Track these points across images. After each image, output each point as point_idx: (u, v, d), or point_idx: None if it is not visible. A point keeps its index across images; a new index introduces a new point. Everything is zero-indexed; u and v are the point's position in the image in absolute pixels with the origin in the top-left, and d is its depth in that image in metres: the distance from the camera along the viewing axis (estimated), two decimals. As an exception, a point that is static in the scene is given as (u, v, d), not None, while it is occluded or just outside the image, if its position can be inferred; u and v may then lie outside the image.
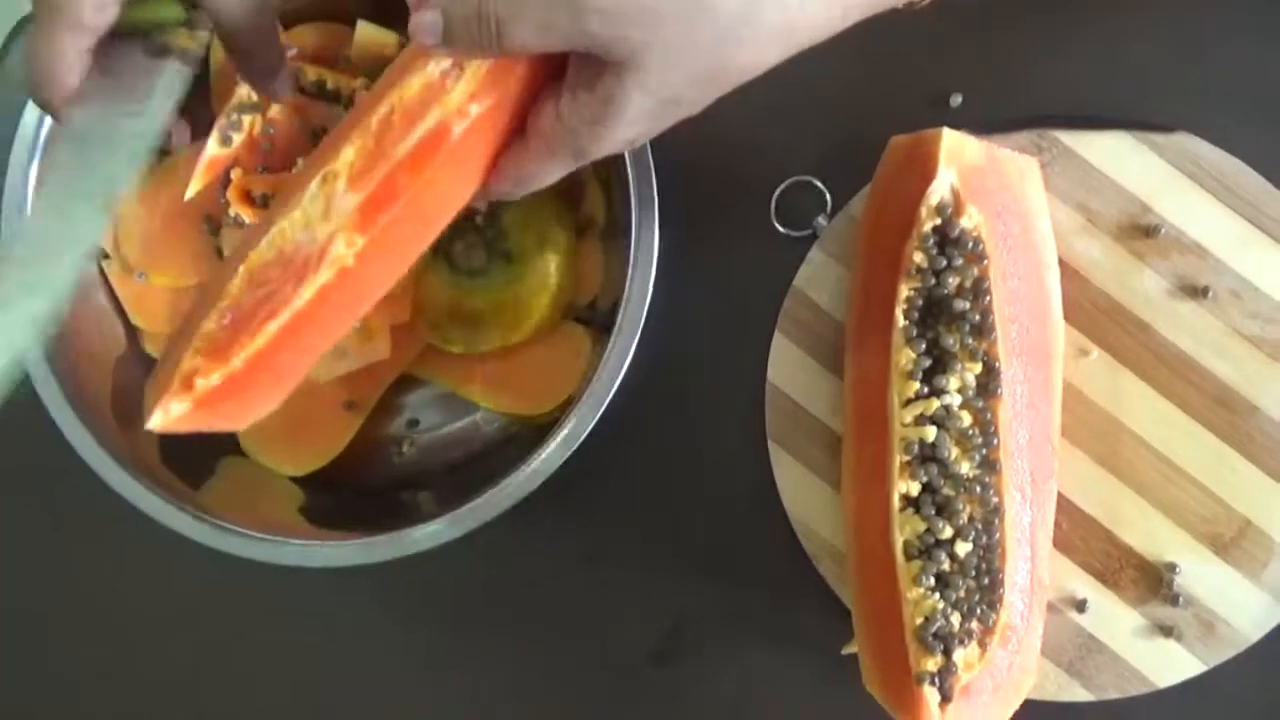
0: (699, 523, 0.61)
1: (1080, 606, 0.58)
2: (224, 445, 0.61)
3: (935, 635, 0.52)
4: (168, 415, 0.46)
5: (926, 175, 0.54)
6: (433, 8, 0.43)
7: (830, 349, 0.59)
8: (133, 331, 0.61)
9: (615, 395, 0.55)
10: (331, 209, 0.46)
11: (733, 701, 0.61)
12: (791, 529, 0.59)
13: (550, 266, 0.59)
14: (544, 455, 0.54)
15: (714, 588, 0.61)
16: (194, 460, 0.60)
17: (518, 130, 0.47)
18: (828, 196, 0.60)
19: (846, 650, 0.57)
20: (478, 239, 0.59)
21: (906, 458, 0.53)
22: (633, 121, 0.44)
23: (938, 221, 0.54)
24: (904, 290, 0.54)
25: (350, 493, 0.61)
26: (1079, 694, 0.58)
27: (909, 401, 0.54)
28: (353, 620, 0.63)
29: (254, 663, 0.63)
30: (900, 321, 0.54)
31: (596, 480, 0.61)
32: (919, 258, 0.54)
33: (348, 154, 0.46)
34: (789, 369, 0.60)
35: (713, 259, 0.61)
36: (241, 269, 0.47)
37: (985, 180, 0.54)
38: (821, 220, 0.60)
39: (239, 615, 0.63)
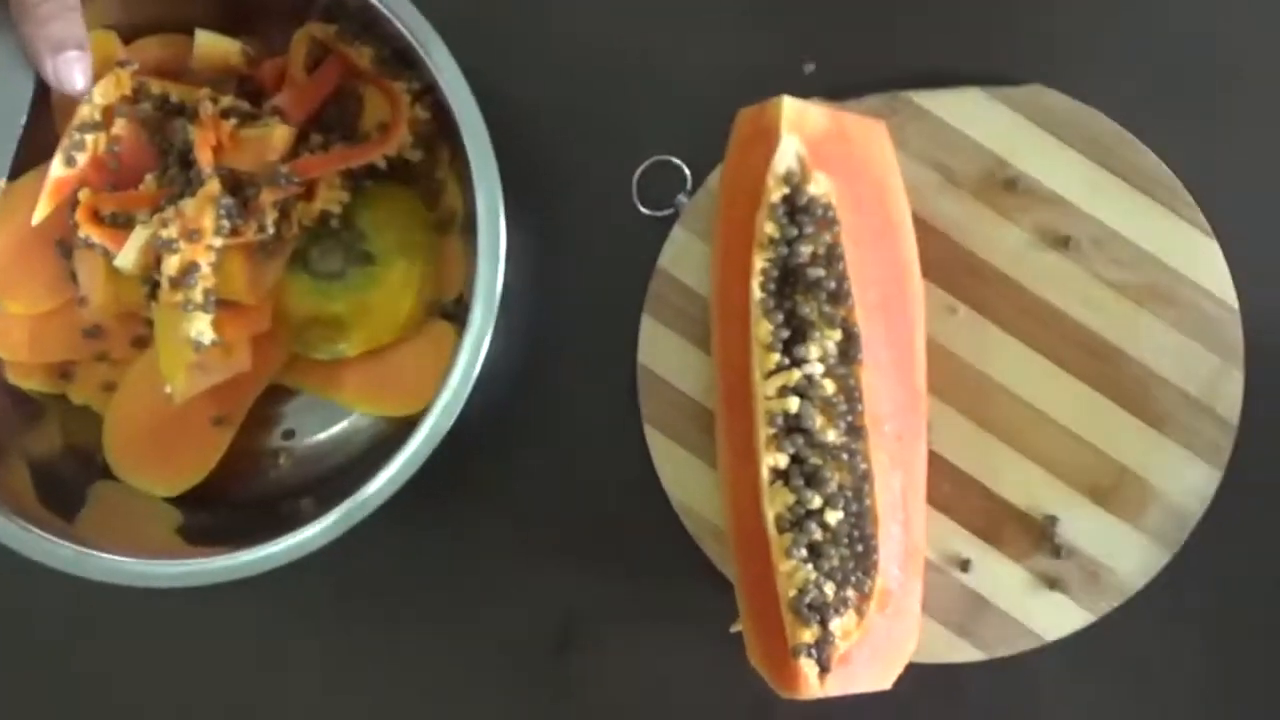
0: (583, 510, 0.61)
1: (964, 566, 0.58)
2: (94, 471, 0.60)
3: (810, 606, 0.52)
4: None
5: (771, 145, 0.53)
6: None
7: (699, 327, 0.59)
8: (-8, 361, 0.60)
9: (489, 387, 0.54)
10: None
11: (632, 684, 0.61)
12: (673, 511, 0.59)
13: (411, 266, 0.58)
14: (409, 452, 0.53)
15: (604, 573, 0.61)
16: (65, 491, 0.59)
17: None
18: (687, 173, 0.60)
19: (734, 628, 0.57)
20: (334, 242, 0.58)
21: (772, 430, 0.53)
22: None
23: (786, 191, 0.53)
24: (758, 262, 0.54)
25: (228, 508, 0.60)
26: (970, 654, 0.58)
27: (771, 373, 0.53)
28: (238, 635, 0.62)
29: (138, 690, 0.62)
30: (756, 294, 0.54)
31: (479, 475, 0.61)
32: (770, 228, 0.53)
33: None
34: (659, 350, 0.59)
35: (578, 244, 0.61)
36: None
37: (832, 146, 0.54)
38: (682, 198, 0.59)
39: (117, 644, 0.62)
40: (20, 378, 0.60)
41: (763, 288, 0.54)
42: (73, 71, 0.52)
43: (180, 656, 0.62)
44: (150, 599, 0.56)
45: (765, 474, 0.53)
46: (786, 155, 0.53)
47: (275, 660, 0.62)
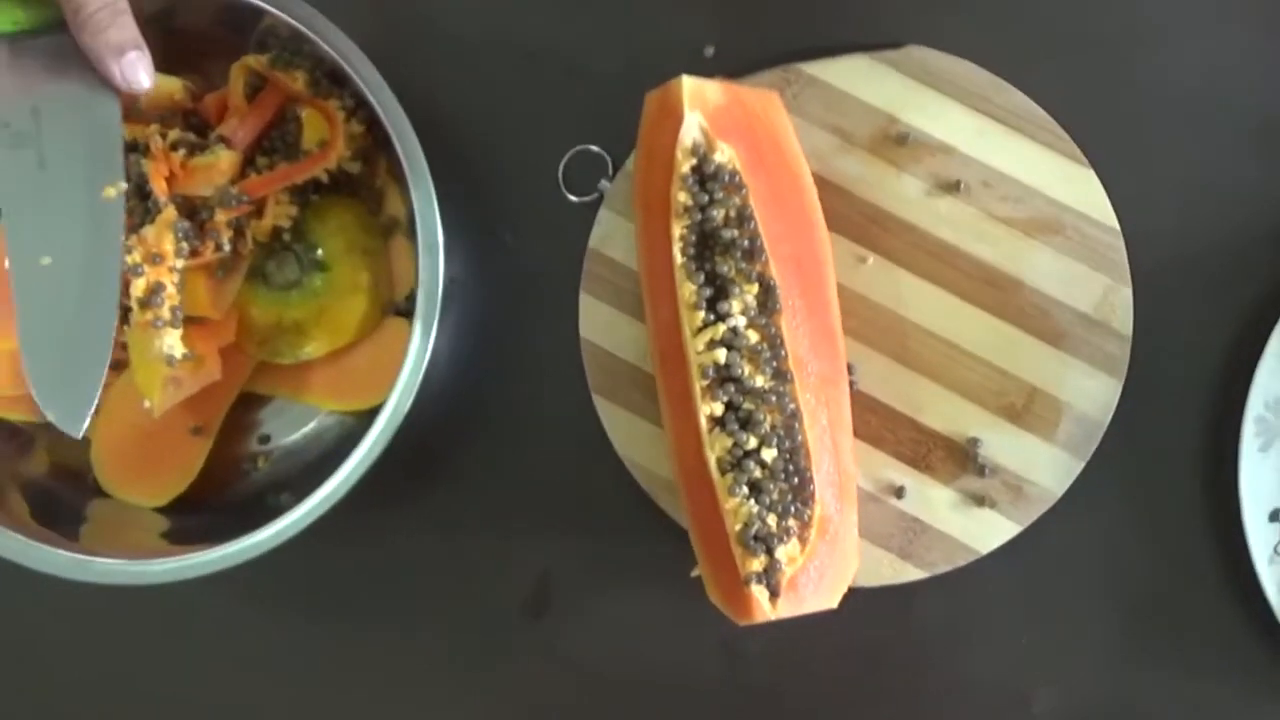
0: (542, 481, 0.65)
1: (899, 493, 0.62)
2: (88, 490, 0.64)
3: (756, 537, 0.56)
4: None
5: (676, 121, 0.58)
6: None
7: (633, 299, 0.63)
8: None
9: (446, 374, 0.59)
10: None
11: (607, 639, 0.65)
12: (627, 471, 0.64)
13: (360, 270, 0.63)
14: (371, 439, 0.57)
15: (571, 538, 0.65)
16: (65, 511, 0.63)
17: None
18: (608, 159, 0.64)
19: (694, 573, 0.61)
20: (288, 255, 0.63)
21: (705, 382, 0.58)
22: None
23: (694, 161, 0.58)
24: (676, 229, 0.58)
25: (213, 512, 0.64)
26: (913, 574, 0.62)
27: (699, 330, 0.58)
28: (226, 625, 0.66)
29: (139, 685, 0.67)
30: (678, 259, 0.58)
31: (446, 459, 0.65)
32: (683, 197, 0.58)
33: None
34: (598, 323, 0.64)
35: (514, 234, 0.65)
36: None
37: (732, 117, 0.59)
38: (605, 183, 0.64)
39: (108, 645, 0.67)
40: (6, 410, 0.64)
41: (683, 253, 0.58)
42: (137, 72, 0.55)
43: (171, 651, 0.67)
44: (141, 597, 0.61)
45: (703, 422, 0.57)
46: (691, 129, 0.58)
47: (262, 645, 0.66)
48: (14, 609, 0.67)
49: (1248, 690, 0.62)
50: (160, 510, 0.64)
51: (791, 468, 0.57)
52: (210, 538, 0.60)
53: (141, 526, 0.63)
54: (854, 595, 0.60)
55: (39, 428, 0.65)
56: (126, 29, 0.54)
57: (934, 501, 0.62)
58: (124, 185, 0.56)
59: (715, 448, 0.57)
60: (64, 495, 0.64)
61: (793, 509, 0.57)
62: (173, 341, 0.59)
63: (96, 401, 0.54)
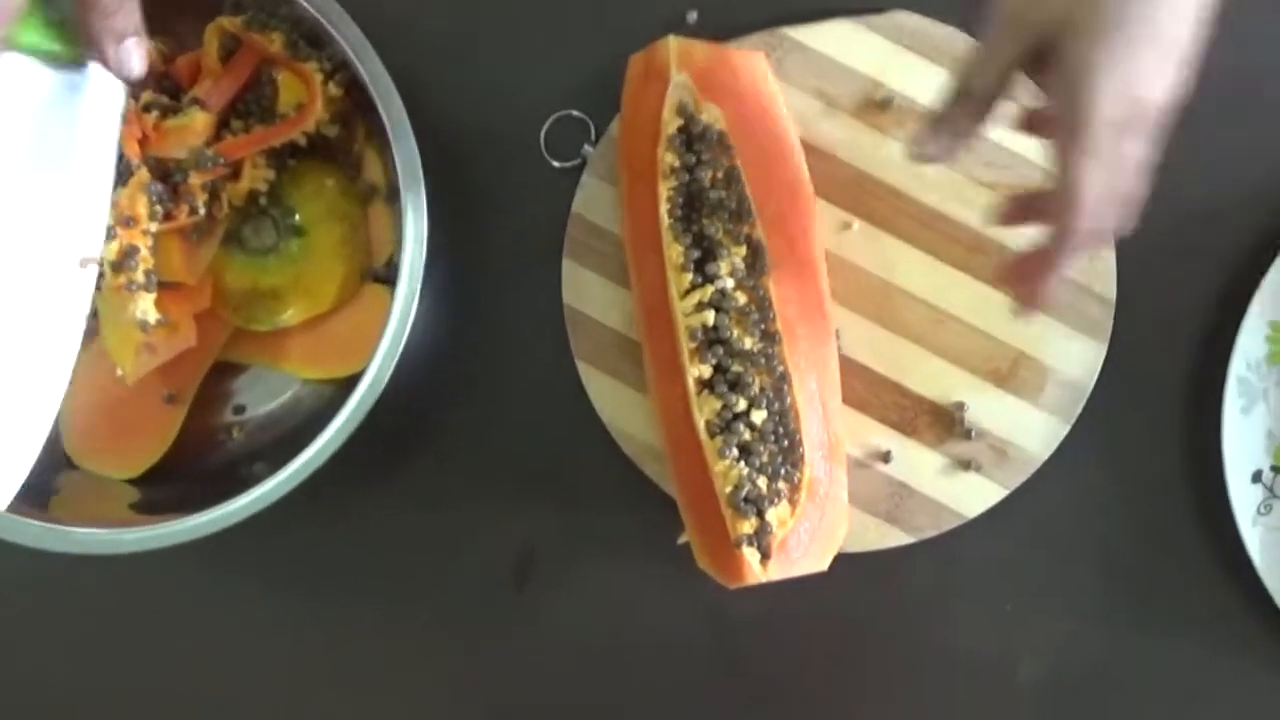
0: (527, 450, 0.64)
1: (885, 458, 0.62)
2: (60, 460, 0.62)
3: (746, 499, 0.56)
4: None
5: (663, 82, 0.58)
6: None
7: (616, 264, 0.63)
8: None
9: (428, 343, 0.58)
10: None
11: (592, 607, 0.64)
12: (613, 439, 0.63)
13: (338, 236, 0.62)
14: (350, 407, 0.56)
15: (555, 507, 0.64)
16: (34, 482, 0.61)
17: None
18: (590, 124, 0.64)
19: (681, 540, 0.61)
20: (265, 220, 0.62)
21: (693, 344, 0.57)
22: (1120, 77, 0.45)
23: (681, 122, 0.58)
24: (663, 191, 0.58)
25: (187, 482, 0.62)
26: (899, 538, 0.62)
27: (687, 292, 0.57)
28: (203, 598, 0.65)
29: (108, 658, 0.65)
30: (665, 220, 0.58)
31: (421, 427, 0.64)
32: (670, 158, 0.58)
33: None
34: (582, 289, 0.63)
35: (496, 201, 0.64)
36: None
37: (719, 78, 0.58)
38: (588, 148, 0.63)
39: (81, 617, 0.65)
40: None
41: (670, 214, 0.58)
42: (132, 58, 0.54)
43: (141, 625, 0.65)
44: (110, 569, 0.59)
45: (692, 385, 0.57)
46: (678, 89, 0.58)
47: (239, 618, 0.65)
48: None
49: (1232, 651, 0.63)
50: (131, 482, 0.62)
51: (781, 430, 0.57)
52: (182, 510, 0.59)
53: (110, 498, 0.62)
54: (840, 561, 0.59)
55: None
56: (132, 15, 0.54)
57: (920, 466, 0.62)
58: (99, 258, 0.55)
59: (704, 410, 0.57)
60: (35, 466, 0.62)
61: (782, 471, 0.57)
62: (146, 306, 0.58)
63: (25, 477, 0.54)
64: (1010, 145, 0.62)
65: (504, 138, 0.64)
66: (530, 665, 0.64)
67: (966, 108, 0.49)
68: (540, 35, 0.64)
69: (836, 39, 0.62)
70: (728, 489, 0.56)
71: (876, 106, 0.62)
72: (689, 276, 0.57)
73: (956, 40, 0.62)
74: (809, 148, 0.61)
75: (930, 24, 0.62)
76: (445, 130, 0.64)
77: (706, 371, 0.57)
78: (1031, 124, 0.52)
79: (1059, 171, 0.47)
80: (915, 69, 0.62)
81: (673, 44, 0.58)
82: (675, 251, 0.57)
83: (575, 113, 0.64)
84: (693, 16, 0.64)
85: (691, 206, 0.58)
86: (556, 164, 0.64)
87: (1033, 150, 0.62)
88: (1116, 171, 0.46)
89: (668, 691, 0.64)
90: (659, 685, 0.64)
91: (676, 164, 0.58)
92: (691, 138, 0.58)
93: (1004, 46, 0.48)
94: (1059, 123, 0.47)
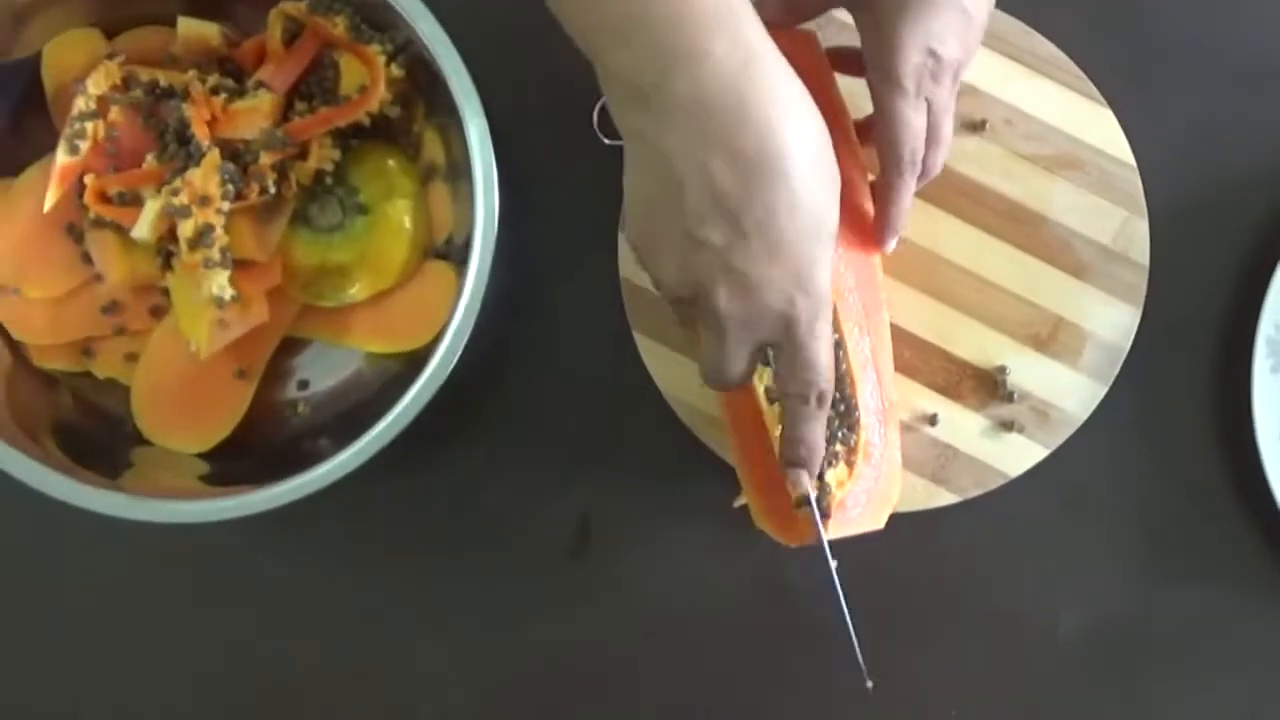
0: (585, 420, 0.66)
1: (932, 421, 0.65)
2: (132, 437, 0.64)
3: None
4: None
5: None
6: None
7: (670, 238, 0.65)
8: (15, 346, 0.63)
9: (485, 318, 0.60)
10: None
11: (649, 574, 0.66)
12: (668, 407, 0.65)
13: (402, 213, 0.64)
14: (422, 381, 0.58)
15: (610, 477, 0.66)
16: (105, 457, 0.62)
17: None
18: (642, 103, 0.66)
19: (737, 503, 0.63)
20: (331, 198, 0.63)
21: None
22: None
23: None
24: None
25: (254, 457, 0.64)
26: (946, 498, 0.65)
27: None
28: (274, 566, 0.67)
29: (186, 626, 0.67)
30: None
31: (484, 401, 0.66)
32: None
33: None
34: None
35: (550, 178, 0.66)
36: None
37: None
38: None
39: (163, 585, 0.67)
40: (44, 360, 0.63)
41: None
42: None
43: (207, 594, 0.67)
44: (179, 540, 0.62)
45: None
46: None
47: (300, 585, 0.67)
48: (53, 548, 0.66)
49: (1264, 602, 0.66)
50: (200, 456, 0.64)
51: (837, 395, 0.59)
52: (249, 483, 0.60)
53: (180, 471, 0.63)
54: (890, 521, 0.62)
55: (73, 377, 0.64)
56: None
57: (965, 428, 0.65)
58: None
59: (763, 378, 0.59)
60: (101, 442, 0.64)
61: (839, 434, 0.59)
62: (222, 283, 0.59)
63: None
64: (1047, 119, 0.65)
65: (558, 116, 0.66)
66: (590, 629, 0.66)
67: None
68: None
69: (880, 18, 0.65)
70: None
71: (920, 83, 0.65)
72: None
73: (1000, 20, 0.64)
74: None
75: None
76: (500, 109, 0.65)
77: None
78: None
79: (875, 104, 0.55)
80: (961, 48, 0.65)
81: None
82: None
83: (627, 92, 0.65)
84: None
85: None
86: (609, 141, 0.66)
87: (1071, 123, 0.64)
88: (923, 109, 0.54)
89: (723, 652, 0.66)
90: (715, 646, 0.66)
91: None
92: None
93: None
94: (869, 61, 0.55)
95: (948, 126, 0.56)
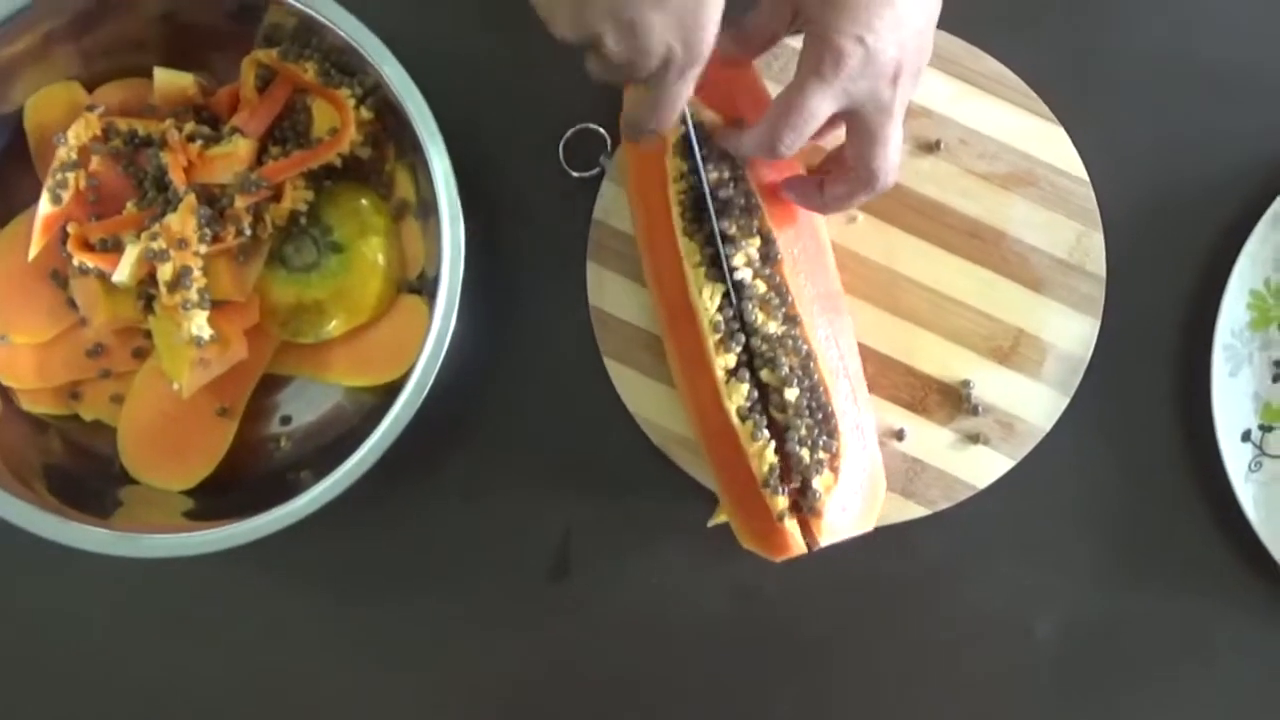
0: (560, 444, 0.68)
1: (899, 436, 0.66)
2: (120, 477, 0.65)
3: (780, 478, 0.59)
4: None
5: None
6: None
7: (637, 266, 0.66)
8: (4, 391, 0.65)
9: (461, 347, 0.61)
10: None
11: (629, 595, 0.68)
12: (640, 430, 0.67)
13: (375, 251, 0.65)
14: (395, 411, 0.60)
15: (587, 501, 0.68)
16: (96, 499, 0.64)
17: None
18: (606, 136, 0.68)
19: (712, 523, 0.64)
20: (306, 238, 0.65)
21: (717, 336, 0.61)
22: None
23: (684, 129, 0.61)
24: (673, 194, 0.62)
25: (237, 492, 0.66)
26: (915, 511, 0.66)
27: (706, 287, 0.61)
28: (253, 598, 0.68)
29: (150, 660, 0.69)
30: (679, 223, 0.62)
31: (461, 430, 0.68)
32: (677, 163, 0.61)
33: None
34: (606, 291, 0.67)
35: (520, 211, 0.68)
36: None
37: (713, 84, 0.62)
38: (604, 159, 0.67)
39: (142, 620, 0.69)
40: (32, 404, 0.65)
41: (682, 216, 0.62)
42: None
43: (196, 626, 0.69)
44: (163, 574, 0.63)
45: (720, 375, 0.61)
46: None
47: (288, 615, 0.68)
48: (46, 587, 0.68)
49: (1230, 603, 0.67)
50: (184, 493, 0.65)
51: (814, 404, 0.61)
52: (234, 517, 0.61)
53: (165, 508, 0.65)
54: (860, 535, 0.63)
55: (61, 420, 0.66)
56: None
57: (932, 442, 0.66)
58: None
59: (733, 398, 0.61)
60: (88, 482, 0.65)
61: (820, 442, 0.60)
62: (201, 323, 0.61)
63: None
64: (1000, 137, 0.66)
65: (525, 151, 0.68)
66: (571, 647, 0.68)
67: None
68: (558, 53, 0.68)
69: (834, 46, 0.67)
70: (764, 469, 0.59)
71: (874, 107, 0.66)
72: (703, 271, 0.61)
73: (949, 43, 0.66)
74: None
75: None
76: (470, 146, 0.67)
77: (731, 361, 0.61)
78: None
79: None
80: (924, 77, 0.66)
81: None
82: (691, 250, 0.61)
83: (592, 125, 0.67)
84: (697, 31, 0.68)
85: (698, 208, 0.62)
86: (576, 174, 0.68)
87: (1024, 141, 0.66)
88: (829, 96, 0.54)
89: (701, 666, 0.67)
90: (692, 660, 0.67)
91: (684, 168, 0.61)
92: (699, 140, 0.62)
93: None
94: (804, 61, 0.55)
95: (887, 128, 0.56)
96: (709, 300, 0.61)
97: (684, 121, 0.61)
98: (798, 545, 0.59)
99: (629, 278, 0.67)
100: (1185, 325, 0.67)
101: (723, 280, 0.61)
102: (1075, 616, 0.67)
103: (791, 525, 0.59)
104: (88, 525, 0.60)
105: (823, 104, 0.54)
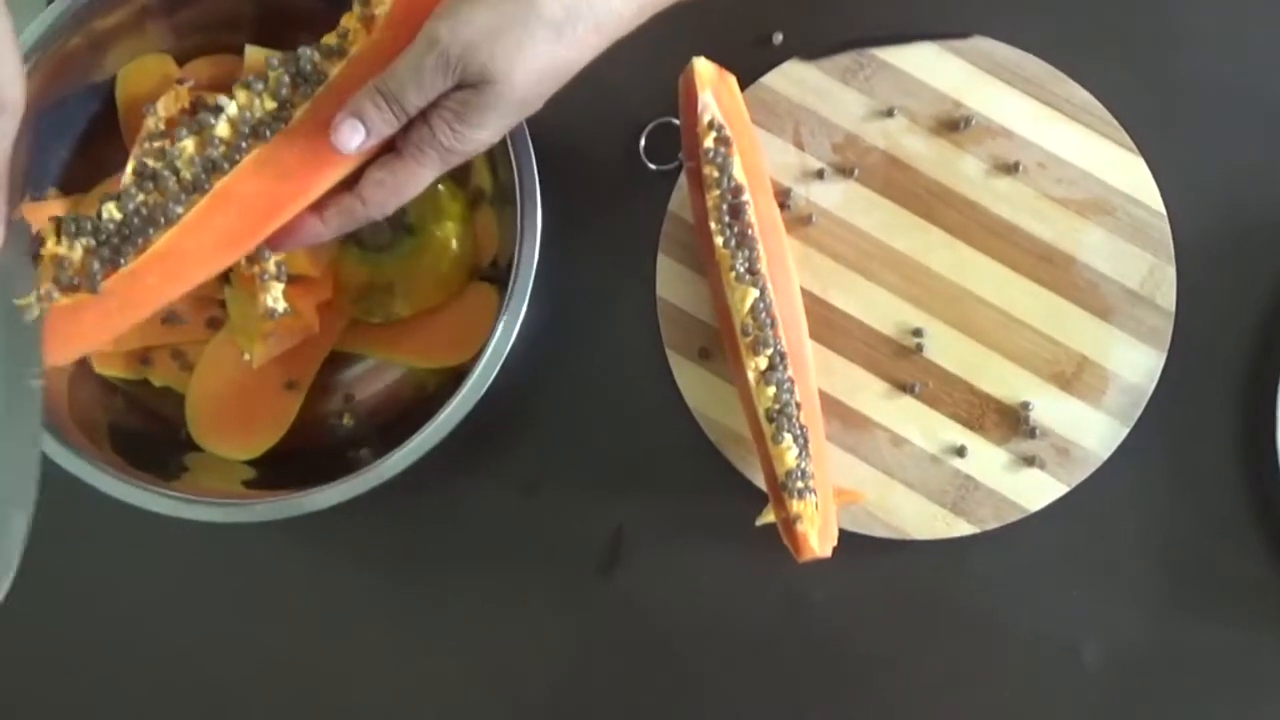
0: (619, 437, 0.68)
1: (960, 452, 0.66)
2: (185, 443, 0.67)
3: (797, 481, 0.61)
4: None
5: (694, 100, 0.62)
6: (344, 115, 0.54)
7: (705, 261, 0.67)
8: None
9: (527, 335, 0.62)
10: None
11: (678, 591, 0.68)
12: (699, 428, 0.67)
13: (449, 235, 0.66)
14: (460, 396, 0.60)
15: (642, 495, 0.68)
16: (158, 462, 0.65)
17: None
18: (685, 133, 0.68)
19: (759, 522, 0.64)
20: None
21: (747, 339, 0.61)
22: (489, 125, 0.54)
23: (715, 135, 0.62)
24: (710, 200, 0.62)
25: (298, 465, 0.67)
26: (964, 529, 0.66)
27: (734, 290, 0.62)
28: (309, 571, 0.70)
29: (230, 622, 0.70)
30: (713, 226, 0.62)
31: (522, 418, 0.69)
32: (709, 170, 0.62)
33: None
34: (674, 283, 0.67)
35: (599, 202, 0.69)
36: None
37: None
38: (682, 154, 0.68)
39: (200, 585, 0.70)
40: (104, 366, 0.66)
41: (717, 220, 0.62)
42: None
43: (249, 597, 0.70)
44: (218, 540, 0.65)
45: (751, 377, 0.61)
46: (708, 106, 0.62)
47: (337, 591, 0.70)
48: (103, 549, 0.70)
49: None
50: (248, 462, 0.67)
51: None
52: (291, 489, 0.63)
53: (228, 476, 0.66)
54: (909, 547, 0.65)
55: (130, 383, 0.67)
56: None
57: (986, 461, 0.66)
58: (43, 380, 0.56)
59: (762, 400, 0.61)
60: (153, 447, 0.67)
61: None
62: (277, 295, 0.62)
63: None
64: (1079, 163, 0.66)
65: (607, 144, 0.69)
66: (616, 642, 0.69)
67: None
68: (643, 51, 0.68)
69: (920, 60, 0.67)
70: (782, 471, 0.61)
71: (955, 125, 0.66)
72: (734, 275, 0.62)
73: (1033, 66, 0.66)
74: (891, 160, 0.66)
75: (1009, 50, 0.66)
76: (548, 137, 0.68)
77: (762, 364, 0.62)
78: None
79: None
80: (992, 91, 0.66)
81: (698, 65, 0.62)
82: (722, 255, 0.62)
83: (673, 120, 0.68)
84: (778, 37, 0.68)
85: (734, 213, 0.62)
86: (654, 167, 0.68)
87: (1102, 169, 0.66)
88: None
89: (747, 669, 0.68)
90: (738, 663, 0.68)
91: (716, 174, 0.62)
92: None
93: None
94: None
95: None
96: (740, 303, 0.62)
97: (714, 128, 0.62)
98: (809, 549, 0.60)
99: (697, 271, 0.67)
100: (1251, 361, 0.66)
101: (754, 284, 0.61)
102: (1125, 642, 0.67)
103: (804, 528, 0.60)
104: (148, 488, 0.61)
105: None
